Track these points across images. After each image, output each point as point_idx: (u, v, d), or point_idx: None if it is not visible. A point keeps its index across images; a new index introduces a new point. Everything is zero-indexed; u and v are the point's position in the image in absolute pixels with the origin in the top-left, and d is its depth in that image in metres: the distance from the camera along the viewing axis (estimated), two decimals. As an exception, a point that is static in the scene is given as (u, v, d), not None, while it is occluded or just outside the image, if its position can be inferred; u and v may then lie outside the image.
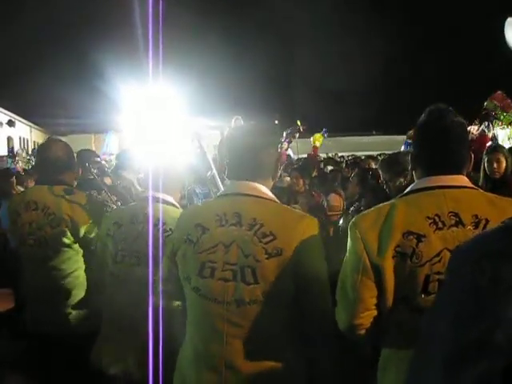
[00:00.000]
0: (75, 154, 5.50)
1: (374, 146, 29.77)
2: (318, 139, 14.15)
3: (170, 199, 3.17)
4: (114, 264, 3.08)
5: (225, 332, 2.33)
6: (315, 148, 13.86)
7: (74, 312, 3.59)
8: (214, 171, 3.65)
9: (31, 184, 6.77)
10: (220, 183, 3.61)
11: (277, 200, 2.50)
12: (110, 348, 3.08)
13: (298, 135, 12.94)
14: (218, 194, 2.66)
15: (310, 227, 2.34)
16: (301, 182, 6.90)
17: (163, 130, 3.61)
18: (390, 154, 5.43)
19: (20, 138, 38.80)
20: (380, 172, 4.62)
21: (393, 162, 4.46)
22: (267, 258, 2.27)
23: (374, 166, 9.01)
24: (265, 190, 2.45)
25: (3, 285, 3.64)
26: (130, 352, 2.92)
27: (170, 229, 2.90)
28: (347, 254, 2.26)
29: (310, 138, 14.53)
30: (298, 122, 13.16)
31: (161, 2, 3.00)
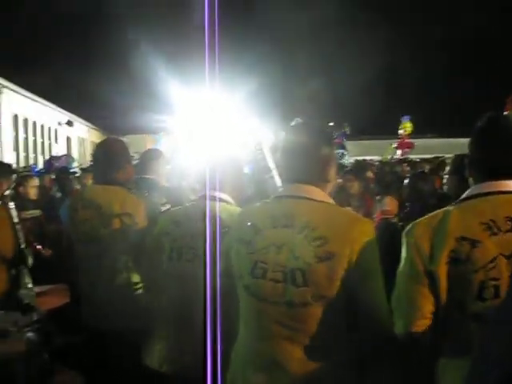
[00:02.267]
0: (138, 154, 5.60)
1: (428, 149, 29.31)
2: (406, 126, 14.02)
3: (227, 197, 3.18)
4: (169, 262, 3.10)
5: (274, 333, 2.33)
6: (403, 137, 13.67)
7: (126, 309, 3.64)
8: (274, 173, 3.67)
9: (88, 182, 6.92)
10: (279, 185, 3.63)
11: (332, 202, 2.48)
12: (163, 346, 3.10)
13: (345, 138, 12.93)
14: (275, 195, 2.66)
15: (364, 230, 2.32)
16: (355, 184, 6.83)
17: (220, 131, 3.65)
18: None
19: (78, 138, 39.71)
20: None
21: None
22: (317, 262, 2.25)
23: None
24: (318, 192, 2.43)
25: (61, 280, 3.73)
26: (185, 350, 2.93)
27: (228, 226, 2.92)
28: (402, 261, 2.24)
29: (358, 140, 14.51)
30: (345, 127, 13.15)
31: (217, 3, 3.02)
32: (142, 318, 3.60)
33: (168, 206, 4.08)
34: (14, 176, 5.33)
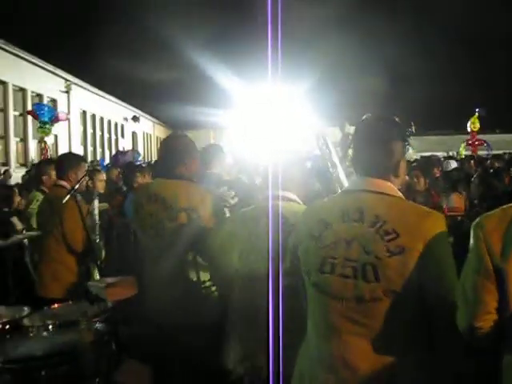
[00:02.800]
0: (202, 149, 5.66)
1: (498, 144, 28.46)
2: (475, 122, 13.75)
3: (292, 196, 3.17)
4: (239, 262, 3.12)
5: (343, 329, 2.32)
6: (473, 133, 13.40)
7: (190, 303, 3.68)
8: (339, 169, 3.64)
9: (148, 178, 7.03)
10: (345, 181, 3.59)
11: (402, 197, 2.45)
12: (236, 345, 3.12)
13: (410, 134, 12.68)
14: (342, 189, 2.64)
15: (436, 224, 2.28)
16: (422, 180, 6.74)
17: (283, 127, 3.63)
18: None
19: (144, 133, 40.41)
20: None
21: None
22: (389, 256, 2.23)
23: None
24: (389, 186, 2.41)
25: (127, 273, 3.80)
26: (258, 349, 2.94)
27: (293, 225, 2.92)
28: (469, 254, 2.18)
29: (423, 135, 14.26)
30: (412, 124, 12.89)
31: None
32: (210, 313, 3.65)
33: (236, 199, 4.10)
34: (86, 166, 5.44)
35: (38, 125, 17.04)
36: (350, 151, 2.57)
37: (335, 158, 3.61)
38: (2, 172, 14.54)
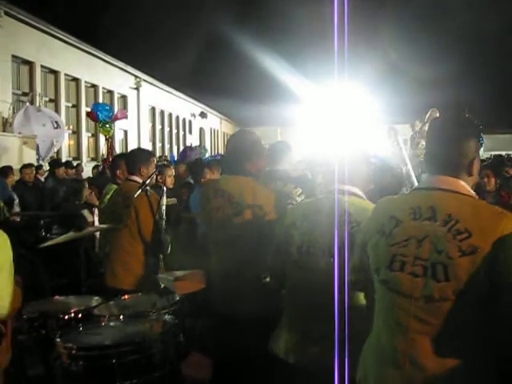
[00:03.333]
0: (269, 146, 5.70)
1: None
2: None
3: (357, 191, 3.16)
4: (298, 254, 3.13)
5: (410, 327, 2.30)
6: None
7: (252, 297, 3.71)
8: (409, 166, 3.61)
9: (216, 173, 7.11)
10: (415, 179, 3.56)
11: (475, 196, 2.42)
12: (290, 336, 3.13)
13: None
14: (415, 187, 2.62)
15: (509, 225, 2.22)
16: (492, 180, 6.57)
17: (350, 123, 3.63)
18: None
19: (211, 129, 40.83)
20: None
21: None
22: (460, 256, 2.19)
23: None
24: (463, 185, 2.38)
25: (194, 267, 3.87)
26: (312, 342, 2.96)
27: (356, 220, 2.91)
28: None
29: (493, 134, 13.85)
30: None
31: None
32: (270, 306, 3.68)
33: (303, 197, 4.12)
34: (155, 161, 5.56)
35: (100, 124, 17.49)
36: (421, 149, 2.56)
37: (406, 156, 3.58)
38: (74, 166, 14.95)
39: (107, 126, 17.06)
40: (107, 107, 18.20)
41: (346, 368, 2.53)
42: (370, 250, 2.50)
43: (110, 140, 16.90)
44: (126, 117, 19.38)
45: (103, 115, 17.09)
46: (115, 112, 18.20)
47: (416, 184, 3.39)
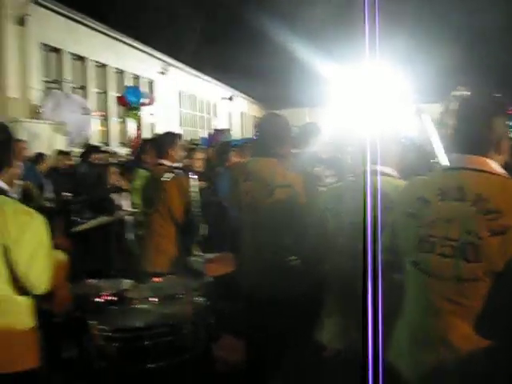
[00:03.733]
0: (298, 128, 5.68)
1: None
2: None
3: (390, 171, 3.12)
4: (334, 238, 3.11)
5: (442, 308, 2.28)
6: None
7: (283, 280, 3.71)
8: (438, 146, 3.55)
9: (246, 156, 7.11)
10: (443, 158, 3.50)
11: (505, 174, 2.37)
12: (333, 322, 3.13)
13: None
14: (442, 167, 2.59)
15: None
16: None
17: (380, 102, 3.58)
18: None
19: (239, 113, 40.76)
20: None
21: None
22: (490, 236, 2.16)
23: None
24: (492, 165, 2.34)
25: (224, 249, 3.89)
26: (355, 327, 2.94)
27: (391, 201, 2.88)
28: None
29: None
30: None
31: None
32: (302, 289, 3.68)
33: (334, 179, 4.09)
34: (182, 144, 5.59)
35: (128, 111, 17.64)
36: (449, 127, 2.51)
37: (434, 135, 3.53)
38: (104, 151, 15.07)
39: (134, 112, 17.19)
40: (137, 92, 18.35)
41: (380, 354, 2.51)
42: (399, 231, 2.48)
43: (138, 125, 17.01)
44: (152, 103, 19.49)
45: (133, 101, 17.23)
46: (143, 98, 18.32)
47: (444, 164, 3.33)
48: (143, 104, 17.83)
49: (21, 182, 5.61)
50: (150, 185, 5.07)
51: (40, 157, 10.74)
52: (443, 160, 3.46)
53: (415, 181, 2.61)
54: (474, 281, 2.20)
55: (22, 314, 3.08)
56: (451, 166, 2.48)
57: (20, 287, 3.05)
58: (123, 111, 19.16)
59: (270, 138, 3.89)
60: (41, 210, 4.40)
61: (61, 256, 3.28)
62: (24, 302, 3.10)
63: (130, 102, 17.26)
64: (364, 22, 2.76)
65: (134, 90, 19.10)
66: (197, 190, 4.71)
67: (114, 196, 7.71)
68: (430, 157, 3.68)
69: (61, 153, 12.19)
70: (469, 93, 2.53)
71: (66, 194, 9.74)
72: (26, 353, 3.04)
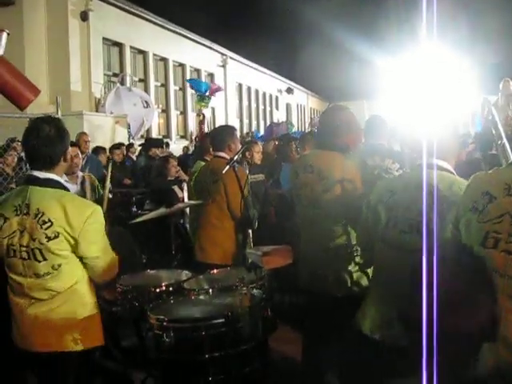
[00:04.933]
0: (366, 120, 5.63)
1: None
2: None
3: (446, 165, 3.05)
4: (385, 230, 3.07)
5: (503, 306, 2.21)
6: None
7: (340, 273, 3.69)
8: (505, 140, 3.45)
9: (307, 148, 7.08)
10: (510, 152, 3.40)
11: None
12: (375, 312, 3.10)
13: None
14: (510, 161, 2.51)
15: None
16: None
17: (439, 95, 3.50)
18: None
19: (297, 105, 40.68)
20: None
21: None
22: None
23: None
24: None
25: (282, 242, 3.88)
26: (397, 318, 2.90)
27: (444, 195, 2.82)
28: None
29: None
30: None
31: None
32: (356, 282, 3.65)
33: (401, 171, 4.04)
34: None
35: (196, 98, 17.87)
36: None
37: (501, 129, 3.43)
38: (164, 143, 15.30)
39: (205, 100, 17.47)
40: (202, 82, 18.72)
41: (435, 348, 2.46)
42: (462, 227, 2.42)
43: (203, 116, 17.21)
44: (221, 89, 19.79)
45: (201, 89, 17.55)
46: (210, 86, 18.63)
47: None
48: (212, 91, 18.10)
49: (82, 174, 5.73)
50: (208, 177, 5.11)
51: (102, 149, 10.96)
52: (510, 156, 3.35)
53: (480, 176, 2.54)
54: None
55: (86, 302, 3.22)
56: None
57: (89, 278, 3.21)
58: (195, 101, 19.46)
59: (330, 131, 3.87)
60: (101, 201, 4.53)
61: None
62: (88, 291, 3.21)
63: (198, 89, 17.63)
64: (420, 10, 2.70)
65: (198, 80, 19.55)
66: (256, 182, 4.72)
67: (175, 188, 7.81)
68: (499, 152, 3.58)
69: (122, 145, 12.41)
70: (506, 85, 2.44)
71: (127, 185, 9.93)
72: (92, 333, 3.22)
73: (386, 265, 3.10)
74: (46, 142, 3.09)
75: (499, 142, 3.49)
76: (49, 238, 3.01)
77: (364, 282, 3.67)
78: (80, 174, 5.73)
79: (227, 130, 5.53)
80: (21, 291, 3.13)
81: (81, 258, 3.13)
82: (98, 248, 3.15)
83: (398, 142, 6.50)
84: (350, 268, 3.70)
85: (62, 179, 3.26)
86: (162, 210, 4.77)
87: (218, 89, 19.19)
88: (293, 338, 4.31)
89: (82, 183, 6.03)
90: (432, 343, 2.46)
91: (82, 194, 5.42)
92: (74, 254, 3.10)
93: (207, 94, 17.70)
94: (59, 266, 3.06)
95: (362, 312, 3.19)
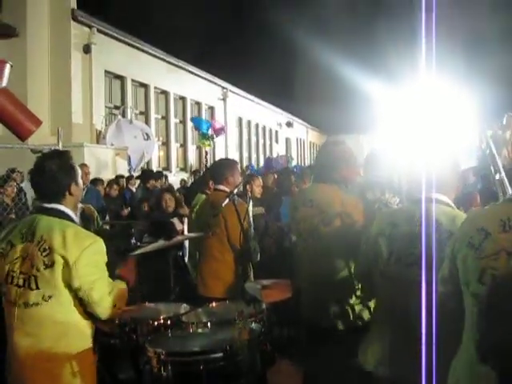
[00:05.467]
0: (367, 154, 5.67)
1: None
2: None
3: (446, 199, 3.06)
4: (386, 264, 3.07)
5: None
6: None
7: (341, 307, 3.68)
8: (503, 174, 3.47)
9: (306, 182, 7.12)
10: (509, 186, 3.42)
11: None
12: (379, 348, 3.08)
13: None
14: (506, 197, 2.52)
15: None
16: None
17: (437, 127, 3.52)
18: None
19: (297, 139, 40.86)
20: None
21: None
22: None
23: None
24: None
25: (282, 276, 3.88)
26: (401, 353, 2.88)
27: (447, 230, 2.82)
28: None
29: None
30: None
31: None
32: (358, 316, 3.63)
33: (400, 205, 4.05)
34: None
35: (199, 137, 18.14)
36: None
37: (499, 162, 3.45)
38: (162, 176, 15.35)
39: (208, 140, 17.75)
40: (205, 121, 19.00)
41: (434, 381, 2.45)
42: (459, 262, 2.42)
43: (206, 152, 17.52)
44: (223, 130, 20.03)
45: (202, 128, 17.80)
46: (212, 124, 18.90)
47: (510, 193, 3.24)
48: (214, 131, 18.35)
49: (82, 205, 5.75)
50: (208, 210, 5.11)
51: (100, 180, 11.01)
52: (509, 190, 3.36)
53: (476, 212, 2.56)
54: None
55: (80, 336, 3.16)
56: None
57: (83, 312, 3.14)
58: (198, 139, 19.76)
59: (330, 165, 3.89)
60: (101, 233, 4.53)
61: (121, 284, 3.35)
62: (83, 323, 3.17)
63: (201, 129, 17.88)
64: (419, 42, 2.73)
65: (201, 119, 19.83)
66: (256, 215, 4.72)
67: (174, 220, 7.81)
68: (496, 186, 3.59)
69: (122, 177, 12.45)
70: (509, 120, 2.46)
71: (125, 216, 9.93)
72: (84, 373, 3.12)
73: (388, 298, 3.09)
74: (50, 178, 3.17)
75: (497, 176, 3.50)
76: (46, 266, 3.01)
77: (366, 315, 3.65)
78: (80, 205, 5.74)
79: (227, 163, 5.56)
80: (11, 322, 3.11)
81: (76, 292, 3.08)
82: (93, 280, 3.08)
83: (397, 176, 6.53)
84: (351, 301, 3.69)
85: (71, 211, 3.27)
86: (160, 243, 4.76)
87: (222, 129, 19.41)
88: (292, 372, 4.27)
89: (82, 214, 6.07)
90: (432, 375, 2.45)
91: (82, 225, 5.43)
92: (67, 289, 3.07)
93: (209, 133, 17.98)
94: (50, 297, 3.03)
95: (365, 347, 3.17)
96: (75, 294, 3.08)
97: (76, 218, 3.36)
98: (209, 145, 17.96)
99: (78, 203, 5.87)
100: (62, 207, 3.20)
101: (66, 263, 3.01)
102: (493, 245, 2.28)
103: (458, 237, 2.51)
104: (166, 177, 16.35)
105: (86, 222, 6.35)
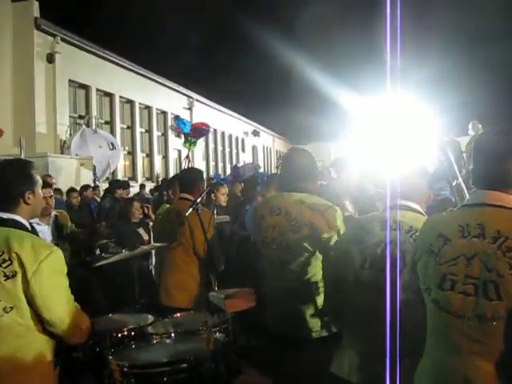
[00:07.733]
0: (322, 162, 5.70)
1: None
2: None
3: (414, 205, 3.08)
4: (360, 269, 3.06)
5: (464, 348, 2.22)
6: None
7: (309, 316, 3.67)
8: (460, 180, 3.51)
9: (272, 191, 7.12)
10: (466, 193, 3.46)
11: None
12: (353, 356, 3.06)
13: None
14: (463, 203, 2.55)
15: None
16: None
17: (404, 136, 3.56)
18: None
19: (264, 147, 40.98)
20: None
21: None
22: None
23: None
24: (511, 200, 2.30)
25: (246, 284, 3.86)
26: (375, 361, 2.88)
27: (412, 227, 2.86)
28: None
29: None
30: None
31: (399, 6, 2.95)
32: (326, 324, 3.63)
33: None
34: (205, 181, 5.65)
35: (183, 139, 18.65)
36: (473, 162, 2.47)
37: (456, 169, 3.49)
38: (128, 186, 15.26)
39: (190, 142, 18.06)
40: (186, 122, 19.23)
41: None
42: (419, 269, 2.45)
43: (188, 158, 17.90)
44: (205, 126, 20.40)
45: (185, 128, 18.07)
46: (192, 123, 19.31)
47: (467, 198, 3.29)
48: (195, 128, 18.84)
49: (56, 212, 5.74)
50: (172, 219, 5.08)
51: (57, 190, 10.94)
52: (466, 195, 3.41)
53: (434, 218, 2.58)
54: (497, 319, 2.15)
55: (40, 349, 3.07)
56: (471, 203, 2.44)
57: (42, 323, 3.05)
58: (183, 142, 20.36)
59: (295, 173, 3.89)
60: (74, 235, 4.47)
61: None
62: (43, 337, 3.10)
63: (184, 129, 18.20)
64: (386, 55, 2.76)
65: (183, 120, 20.12)
66: (221, 223, 4.70)
67: (139, 230, 7.75)
68: (454, 192, 3.63)
69: (87, 187, 12.34)
70: (487, 129, 2.49)
71: (91, 227, 9.82)
72: None
73: (359, 305, 3.08)
74: (2, 185, 3.12)
75: (454, 183, 3.55)
76: (7, 277, 2.93)
77: (333, 324, 3.65)
78: (53, 212, 5.75)
79: (192, 172, 5.56)
80: None
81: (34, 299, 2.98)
82: (51, 298, 3.00)
83: (364, 184, 6.59)
84: (317, 310, 3.68)
85: (26, 221, 3.21)
86: (124, 253, 4.72)
87: (203, 125, 19.75)
88: (259, 382, 4.26)
89: (55, 221, 6.04)
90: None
91: (57, 232, 5.43)
92: (28, 300, 3.00)
93: (189, 132, 18.27)
94: (11, 308, 2.96)
95: (338, 356, 3.16)
96: (34, 303, 3.02)
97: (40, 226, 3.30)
98: (193, 146, 18.35)
99: (52, 211, 5.85)
100: (17, 217, 3.12)
101: (25, 275, 2.95)
102: (452, 250, 2.30)
103: (419, 244, 2.53)
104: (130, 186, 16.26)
105: (60, 228, 6.30)
